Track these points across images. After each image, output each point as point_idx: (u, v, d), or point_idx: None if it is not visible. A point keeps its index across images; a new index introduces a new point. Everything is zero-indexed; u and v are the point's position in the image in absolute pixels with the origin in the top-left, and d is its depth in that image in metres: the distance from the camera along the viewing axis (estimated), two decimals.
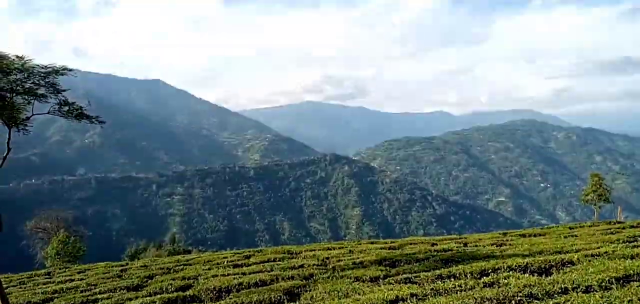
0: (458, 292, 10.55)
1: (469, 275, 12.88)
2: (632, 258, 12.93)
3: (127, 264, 26.65)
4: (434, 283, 12.02)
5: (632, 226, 26.14)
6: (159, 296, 15.89)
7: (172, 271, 21.54)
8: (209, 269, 20.53)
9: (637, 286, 8.40)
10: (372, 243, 28.31)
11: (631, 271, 9.91)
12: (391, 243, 26.17)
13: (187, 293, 15.57)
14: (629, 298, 7.39)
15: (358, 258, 19.58)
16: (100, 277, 21.61)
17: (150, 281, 19.18)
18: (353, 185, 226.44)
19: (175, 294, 15.63)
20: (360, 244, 27.65)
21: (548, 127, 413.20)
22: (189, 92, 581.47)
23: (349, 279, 15.06)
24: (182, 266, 22.77)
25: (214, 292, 15.45)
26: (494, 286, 10.89)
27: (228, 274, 18.18)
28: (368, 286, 13.41)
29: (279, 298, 13.68)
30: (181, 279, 18.26)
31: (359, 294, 12.11)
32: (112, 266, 25.45)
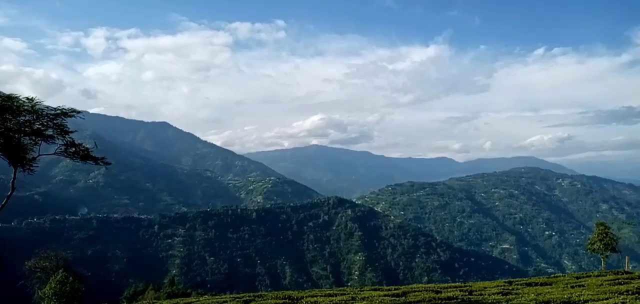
0: None
1: None
2: None
3: None
4: None
5: None
6: None
7: None
8: None
9: None
10: (375, 289, 27.91)
11: None
12: (395, 290, 25.81)
13: None
14: None
15: None
16: None
17: None
18: (356, 229, 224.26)
19: None
20: (362, 291, 27.26)
21: (552, 175, 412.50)
22: (195, 134, 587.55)
23: None
24: None
25: None
26: None
27: None
28: None
29: None
30: None
31: None
32: None
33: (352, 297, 23.64)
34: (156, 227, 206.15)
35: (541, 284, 25.57)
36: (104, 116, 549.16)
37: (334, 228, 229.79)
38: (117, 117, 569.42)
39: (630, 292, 18.54)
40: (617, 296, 16.63)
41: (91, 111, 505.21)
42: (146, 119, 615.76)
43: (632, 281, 23.35)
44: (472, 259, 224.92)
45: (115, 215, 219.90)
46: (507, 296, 19.98)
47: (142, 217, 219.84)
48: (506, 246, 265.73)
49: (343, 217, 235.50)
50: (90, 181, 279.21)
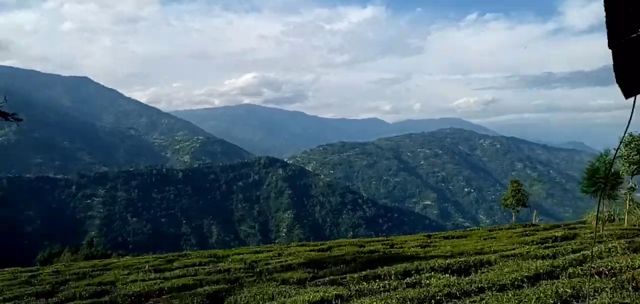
0: (382, 292, 10.66)
1: (393, 276, 13.09)
2: (542, 258, 13.70)
3: (38, 269, 24.77)
4: (359, 284, 12.09)
5: (544, 229, 27.91)
6: (71, 303, 14.84)
7: (87, 276, 20.26)
8: (129, 274, 19.56)
9: (545, 284, 8.89)
10: (302, 245, 28.28)
11: (541, 271, 10.48)
12: (320, 245, 26.25)
13: (103, 299, 14.72)
14: (536, 295, 7.75)
15: (286, 261, 19.49)
16: (6, 283, 19.87)
17: (62, 287, 17.91)
18: (286, 188, 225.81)
19: (89, 300, 14.67)
20: (289, 246, 27.54)
21: (475, 136, 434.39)
22: (118, 91, 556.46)
23: (275, 282, 14.91)
24: (99, 271, 21.51)
25: (133, 298, 14.70)
26: (416, 286, 11.10)
27: (149, 279, 17.40)
28: (294, 289, 13.31)
29: (201, 302, 13.22)
30: (97, 285, 17.26)
31: (285, 296, 11.96)
32: (21, 272, 23.57)
33: (279, 253, 23.81)
34: (74, 187, 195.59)
35: (457, 237, 27.03)
36: (17, 68, 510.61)
37: (264, 187, 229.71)
38: (31, 71, 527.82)
39: (534, 242, 20.02)
40: (523, 246, 17.89)
41: (2, 63, 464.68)
42: (64, 73, 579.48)
43: (537, 232, 25.27)
44: (396, 215, 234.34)
45: (27, 175, 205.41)
46: (425, 249, 20.91)
47: (58, 177, 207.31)
48: (428, 202, 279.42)
49: (274, 177, 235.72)
50: (0, 138, 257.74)
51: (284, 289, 13.29)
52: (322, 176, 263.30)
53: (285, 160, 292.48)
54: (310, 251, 23.75)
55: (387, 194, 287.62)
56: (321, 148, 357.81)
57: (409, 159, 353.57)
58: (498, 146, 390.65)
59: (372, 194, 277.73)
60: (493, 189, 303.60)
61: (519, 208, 48.70)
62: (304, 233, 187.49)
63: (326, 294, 10.84)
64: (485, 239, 24.02)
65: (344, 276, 14.42)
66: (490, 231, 29.96)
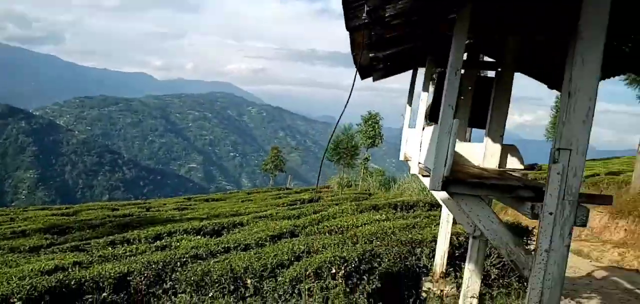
0: (128, 257, 10.32)
1: (143, 240, 12.77)
2: (289, 218, 15.19)
3: None
4: (104, 249, 11.45)
5: (296, 192, 30.93)
6: None
7: None
8: None
9: (284, 242, 9.97)
10: (43, 209, 25.39)
11: (284, 230, 11.66)
12: (66, 209, 23.95)
13: None
14: (275, 253, 8.60)
15: (20, 227, 17.36)
16: None
17: None
18: (30, 144, 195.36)
19: None
20: (26, 210, 24.40)
21: (244, 102, 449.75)
22: None
23: (1, 250, 13.03)
24: None
25: None
26: (165, 249, 11.06)
27: None
28: (25, 257, 11.86)
29: None
30: None
31: (11, 266, 10.51)
32: None
33: (12, 217, 20.99)
34: None
35: (217, 200, 27.84)
36: None
37: (0, 142, 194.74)
38: None
39: (286, 204, 22.08)
40: (274, 208, 19.53)
41: None
42: None
43: (289, 195, 27.85)
44: (159, 177, 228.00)
45: None
46: (183, 211, 20.96)
47: None
48: (193, 165, 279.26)
49: (14, 130, 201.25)
50: None
51: (11, 258, 11.68)
52: (77, 133, 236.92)
53: (30, 111, 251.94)
54: (52, 215, 21.39)
55: (152, 155, 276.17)
56: (78, 100, 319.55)
57: (178, 120, 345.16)
58: (264, 114, 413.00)
59: (135, 154, 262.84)
60: (257, 154, 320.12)
61: (276, 173, 53.05)
62: (50, 196, 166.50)
63: (63, 261, 9.89)
64: (242, 202, 25.32)
65: (89, 241, 13.46)
66: (248, 194, 31.76)
